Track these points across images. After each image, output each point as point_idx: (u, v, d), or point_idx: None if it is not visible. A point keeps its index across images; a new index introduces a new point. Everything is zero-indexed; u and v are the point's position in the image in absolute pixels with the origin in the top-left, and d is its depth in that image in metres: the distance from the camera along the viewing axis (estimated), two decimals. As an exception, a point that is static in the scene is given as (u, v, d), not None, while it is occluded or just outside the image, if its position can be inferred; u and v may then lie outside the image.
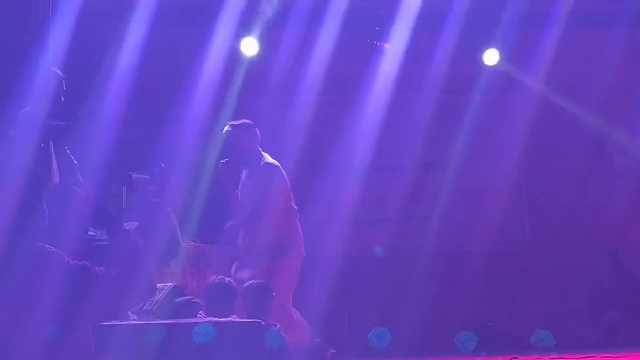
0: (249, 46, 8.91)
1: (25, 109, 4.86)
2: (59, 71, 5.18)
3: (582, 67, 9.52)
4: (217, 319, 5.13)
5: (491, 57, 9.29)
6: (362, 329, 8.83)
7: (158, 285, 5.79)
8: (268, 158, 7.42)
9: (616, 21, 9.14)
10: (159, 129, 8.58)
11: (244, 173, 7.45)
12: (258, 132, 7.50)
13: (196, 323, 4.93)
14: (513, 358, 7.37)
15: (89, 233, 5.20)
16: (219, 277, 6.41)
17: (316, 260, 8.04)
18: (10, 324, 3.87)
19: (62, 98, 5.03)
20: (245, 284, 6.35)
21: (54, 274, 3.91)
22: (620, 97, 9.69)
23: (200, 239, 8.13)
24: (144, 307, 5.54)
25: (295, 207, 7.43)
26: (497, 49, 9.23)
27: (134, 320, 5.12)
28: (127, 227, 5.57)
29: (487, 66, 9.31)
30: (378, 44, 9.11)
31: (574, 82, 9.63)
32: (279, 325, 5.82)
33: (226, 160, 7.44)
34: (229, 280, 6.41)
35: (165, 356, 4.70)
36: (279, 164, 7.41)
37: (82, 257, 4.58)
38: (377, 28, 9.05)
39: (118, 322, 4.67)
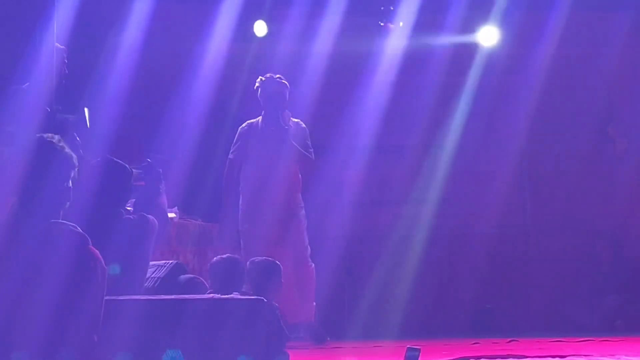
0: (260, 28, 8.94)
1: (27, 84, 4.88)
2: (62, 46, 5.20)
3: (586, 51, 9.51)
4: (219, 295, 5.13)
5: (491, 35, 9.29)
6: (363, 310, 8.87)
7: (160, 262, 5.81)
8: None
9: (620, 5, 9.12)
10: (164, 108, 8.59)
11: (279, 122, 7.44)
12: None
13: (199, 300, 4.94)
14: (511, 341, 7.39)
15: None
16: (227, 254, 6.40)
17: (318, 241, 8.07)
18: (15, 302, 3.86)
19: (66, 70, 5.05)
20: (251, 260, 6.36)
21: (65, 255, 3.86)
22: (623, 82, 9.69)
23: (202, 217, 8.16)
24: (145, 285, 5.56)
25: None
26: (500, 29, 9.23)
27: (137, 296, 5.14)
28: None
29: (490, 47, 9.31)
30: (383, 24, 9.10)
31: (577, 65, 9.62)
32: (277, 305, 5.83)
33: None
34: (236, 257, 6.40)
35: (166, 332, 4.71)
36: None
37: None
38: (382, 8, 9.05)
39: (121, 297, 4.69)
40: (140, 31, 8.01)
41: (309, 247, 7.48)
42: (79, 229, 3.91)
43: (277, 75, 7.51)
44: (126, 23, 7.98)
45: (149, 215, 5.24)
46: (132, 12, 7.93)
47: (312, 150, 7.50)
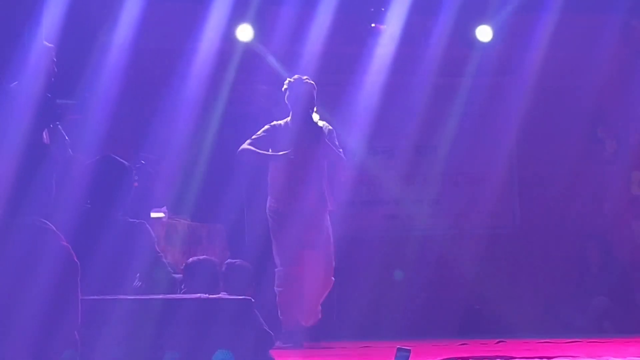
0: (244, 32, 8.92)
1: (15, 83, 4.88)
2: (50, 44, 5.19)
3: (576, 54, 9.53)
4: (206, 295, 5.13)
5: (484, 34, 9.30)
6: (353, 311, 8.87)
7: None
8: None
9: (611, 7, 9.14)
10: (154, 107, 8.58)
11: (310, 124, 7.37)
12: None
13: (185, 299, 4.95)
14: (500, 342, 7.40)
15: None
16: (203, 256, 6.40)
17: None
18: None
19: (55, 69, 5.04)
20: (227, 262, 6.36)
21: (48, 256, 3.85)
22: (613, 84, 9.72)
23: (191, 217, 8.16)
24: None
25: None
26: (492, 29, 9.25)
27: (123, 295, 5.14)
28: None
29: (481, 48, 9.32)
30: (374, 25, 9.10)
31: (567, 68, 9.64)
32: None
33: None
34: (210, 259, 6.41)
35: (154, 332, 4.71)
36: None
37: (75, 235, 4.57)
38: (372, 9, 9.05)
39: (107, 297, 4.69)
40: (130, 31, 8.00)
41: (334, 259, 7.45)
42: (55, 228, 3.91)
43: (305, 77, 7.45)
44: (116, 22, 7.97)
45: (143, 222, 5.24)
46: (122, 11, 7.92)
47: (342, 150, 7.44)
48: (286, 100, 7.44)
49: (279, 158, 7.25)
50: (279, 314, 7.29)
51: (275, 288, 7.29)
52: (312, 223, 7.27)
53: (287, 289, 7.24)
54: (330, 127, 7.45)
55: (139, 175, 6.66)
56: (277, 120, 7.51)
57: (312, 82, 7.44)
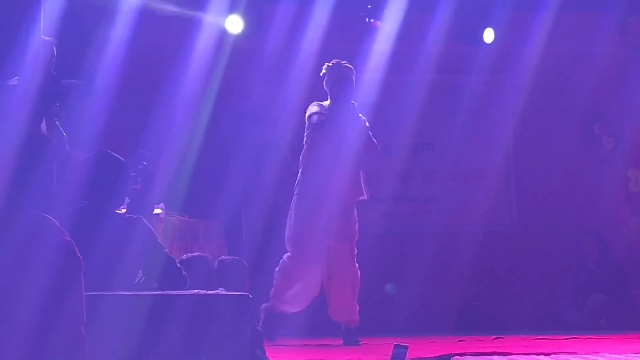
0: (234, 24, 8.91)
1: (15, 78, 4.87)
2: (50, 38, 5.19)
3: (573, 51, 9.53)
4: (204, 291, 5.12)
5: (487, 36, 9.30)
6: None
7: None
8: None
9: (608, 4, 9.15)
10: (151, 103, 8.57)
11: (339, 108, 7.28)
12: None
13: (183, 295, 4.93)
14: (497, 338, 7.40)
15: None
16: (197, 253, 6.38)
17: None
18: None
19: (54, 61, 5.04)
20: (220, 259, 6.34)
21: (50, 251, 3.83)
22: (610, 81, 9.73)
23: (188, 214, 8.15)
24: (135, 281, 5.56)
25: None
26: (491, 29, 9.25)
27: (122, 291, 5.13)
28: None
29: (479, 47, 9.32)
30: (370, 21, 9.10)
31: (564, 65, 9.65)
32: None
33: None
34: (205, 255, 6.39)
35: (151, 328, 4.70)
36: None
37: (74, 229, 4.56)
38: (370, 6, 9.04)
39: (106, 293, 4.68)
40: (127, 27, 7.98)
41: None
42: (57, 223, 3.89)
43: (344, 61, 7.40)
44: (114, 18, 7.95)
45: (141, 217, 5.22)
46: (120, 7, 7.90)
47: (375, 140, 7.34)
48: (324, 86, 7.37)
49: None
50: (270, 295, 7.25)
51: (276, 269, 7.26)
52: (343, 215, 7.22)
53: (286, 275, 7.20)
54: (365, 119, 7.40)
55: (142, 177, 6.65)
56: (319, 102, 7.38)
57: (351, 66, 7.36)
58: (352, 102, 7.32)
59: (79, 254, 3.85)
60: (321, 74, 7.38)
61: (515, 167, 9.91)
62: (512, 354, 5.79)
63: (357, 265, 7.34)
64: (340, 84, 7.27)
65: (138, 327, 4.64)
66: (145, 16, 8.13)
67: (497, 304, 9.51)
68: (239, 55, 9.08)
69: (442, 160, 9.79)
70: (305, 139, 7.32)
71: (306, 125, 7.33)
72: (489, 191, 9.66)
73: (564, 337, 7.34)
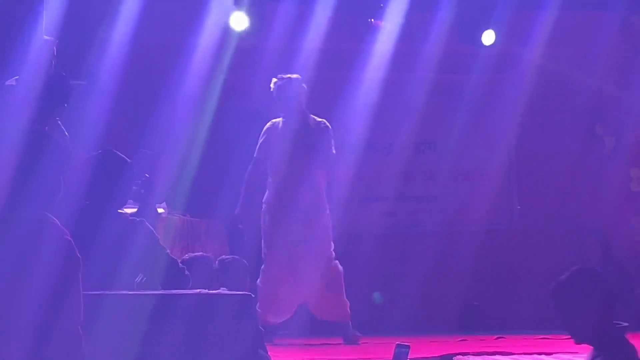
0: (239, 21, 8.90)
1: (15, 78, 4.87)
2: (51, 38, 5.18)
3: (574, 50, 9.53)
4: (206, 290, 5.11)
5: (488, 37, 9.29)
6: (351, 307, 8.87)
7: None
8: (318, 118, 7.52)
9: (610, 4, 9.15)
10: (153, 103, 8.57)
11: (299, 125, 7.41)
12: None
13: (186, 294, 4.93)
14: (498, 338, 7.41)
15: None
16: (199, 252, 6.39)
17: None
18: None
19: (54, 61, 5.04)
20: (220, 259, 6.35)
21: (49, 250, 3.83)
22: (611, 81, 9.72)
23: (190, 213, 8.15)
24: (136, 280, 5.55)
25: None
26: (493, 29, 9.23)
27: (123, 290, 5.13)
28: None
29: (480, 47, 9.31)
30: (372, 21, 9.09)
31: (566, 64, 9.64)
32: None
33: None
34: (206, 255, 6.39)
35: (153, 327, 4.69)
36: None
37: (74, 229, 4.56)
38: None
39: (107, 292, 4.67)
40: (129, 26, 7.98)
41: (332, 243, 7.46)
42: (58, 222, 3.88)
43: (295, 75, 7.47)
44: (115, 17, 7.95)
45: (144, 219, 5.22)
46: (122, 6, 7.90)
47: (334, 152, 7.43)
48: (276, 100, 7.47)
49: (238, 221, 7.49)
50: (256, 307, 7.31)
51: (257, 282, 7.33)
52: (306, 219, 7.27)
53: (266, 287, 7.26)
54: (326, 125, 7.44)
55: (144, 189, 6.66)
56: (274, 119, 7.53)
57: (299, 78, 7.44)
58: (307, 114, 7.42)
59: (78, 254, 3.84)
60: (270, 89, 7.51)
61: (517, 166, 9.91)
62: (513, 353, 5.80)
63: (335, 262, 7.38)
64: (280, 99, 7.43)
65: (140, 327, 4.64)
66: (147, 15, 8.12)
67: (499, 303, 9.51)
68: (242, 54, 9.08)
69: (443, 159, 9.78)
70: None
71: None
72: (490, 191, 9.66)
73: (566, 337, 7.32)
